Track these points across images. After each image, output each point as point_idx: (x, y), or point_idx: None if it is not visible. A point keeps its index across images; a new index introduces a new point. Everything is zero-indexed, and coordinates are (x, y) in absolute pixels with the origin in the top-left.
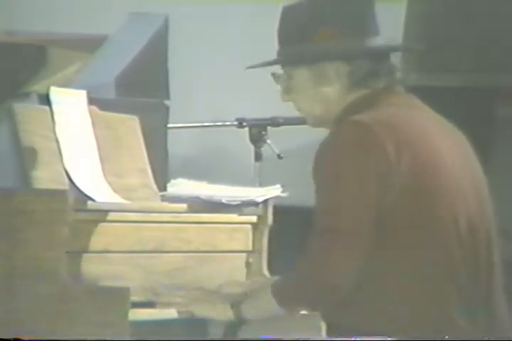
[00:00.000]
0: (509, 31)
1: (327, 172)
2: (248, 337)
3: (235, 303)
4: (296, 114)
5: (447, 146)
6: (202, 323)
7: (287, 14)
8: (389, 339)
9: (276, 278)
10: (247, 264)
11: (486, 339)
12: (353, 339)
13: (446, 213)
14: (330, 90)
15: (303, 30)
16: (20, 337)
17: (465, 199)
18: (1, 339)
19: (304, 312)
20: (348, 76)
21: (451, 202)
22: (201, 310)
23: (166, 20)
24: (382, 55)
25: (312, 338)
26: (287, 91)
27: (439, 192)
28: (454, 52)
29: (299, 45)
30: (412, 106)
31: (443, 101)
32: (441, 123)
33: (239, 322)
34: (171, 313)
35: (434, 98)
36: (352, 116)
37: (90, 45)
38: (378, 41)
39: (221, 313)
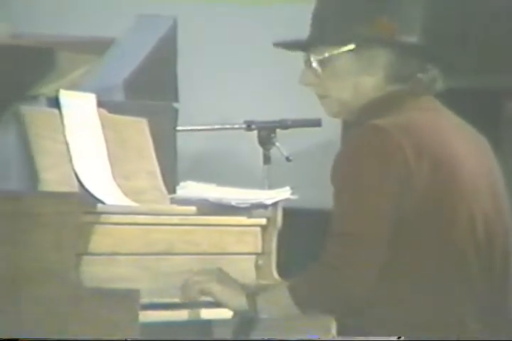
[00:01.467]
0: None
1: (347, 177)
2: (257, 335)
3: (251, 294)
4: (304, 116)
5: (467, 150)
6: (207, 324)
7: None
8: (389, 339)
9: (292, 280)
10: (257, 266)
11: (488, 339)
12: (353, 339)
13: (463, 217)
14: (370, 80)
15: (359, 14)
16: (20, 338)
17: (482, 203)
18: (1, 339)
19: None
20: (395, 69)
21: (469, 206)
22: (219, 293)
23: (175, 22)
24: (427, 54)
25: (313, 338)
26: (320, 74)
27: (457, 196)
28: (457, 53)
29: (348, 29)
30: (433, 109)
31: (450, 103)
32: (461, 127)
33: (250, 320)
34: (179, 315)
35: (441, 100)
36: (372, 120)
37: (98, 47)
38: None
39: (236, 301)
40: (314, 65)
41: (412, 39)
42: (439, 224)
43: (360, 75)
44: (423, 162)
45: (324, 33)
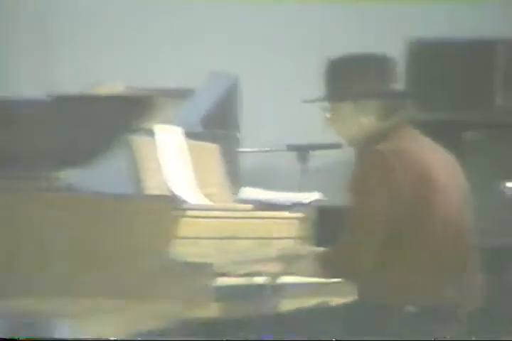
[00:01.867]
0: (472, 80)
1: (356, 188)
2: (288, 299)
3: (288, 266)
4: (329, 141)
5: (441, 167)
6: (262, 286)
7: (336, 63)
8: (389, 339)
9: (318, 254)
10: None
11: (486, 339)
12: (352, 339)
13: (437, 217)
14: (366, 120)
15: (350, 75)
16: (20, 338)
17: (452, 206)
18: (1, 339)
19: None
20: (382, 110)
21: (442, 210)
22: (265, 272)
23: (237, 79)
24: (405, 97)
25: (315, 338)
26: (333, 119)
27: (432, 203)
28: (432, 94)
29: (348, 86)
30: (415, 137)
31: (425, 131)
32: (435, 149)
33: (278, 286)
34: (241, 281)
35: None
36: (374, 146)
37: (184, 95)
38: (398, 86)
39: (279, 273)
40: (327, 115)
41: (395, 85)
42: (420, 221)
43: (358, 118)
44: (409, 178)
45: (327, 92)
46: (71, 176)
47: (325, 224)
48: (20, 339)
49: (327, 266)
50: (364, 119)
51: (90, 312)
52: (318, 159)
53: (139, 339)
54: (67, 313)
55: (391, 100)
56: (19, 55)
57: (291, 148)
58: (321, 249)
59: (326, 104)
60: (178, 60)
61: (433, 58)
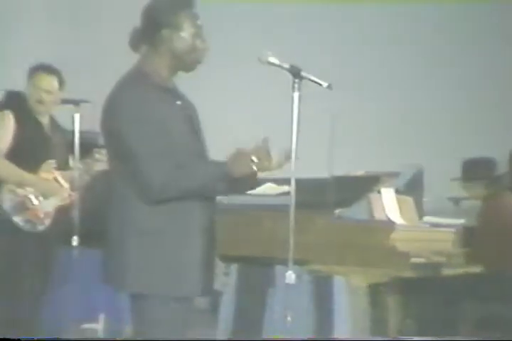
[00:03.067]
0: None
1: (480, 221)
2: None
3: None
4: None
5: None
6: (435, 263)
7: (465, 163)
8: (389, 339)
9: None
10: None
11: (485, 339)
12: (350, 339)
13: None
14: (477, 190)
15: (470, 169)
16: (20, 338)
17: None
18: (1, 339)
19: None
20: (486, 184)
21: None
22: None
23: (422, 168)
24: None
25: (313, 338)
26: (465, 188)
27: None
28: None
29: (468, 174)
30: (509, 197)
31: None
32: None
33: None
34: (422, 260)
35: None
36: (488, 201)
37: (395, 175)
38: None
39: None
40: (463, 186)
41: (494, 172)
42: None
43: (474, 189)
44: (503, 218)
45: (462, 175)
46: (341, 212)
47: (466, 235)
48: (20, 339)
49: (469, 258)
50: (476, 189)
51: (351, 273)
52: (464, 204)
53: (140, 339)
54: (340, 273)
55: (490, 180)
56: None
57: (450, 199)
58: (465, 249)
59: (462, 181)
60: (385, 158)
61: None
